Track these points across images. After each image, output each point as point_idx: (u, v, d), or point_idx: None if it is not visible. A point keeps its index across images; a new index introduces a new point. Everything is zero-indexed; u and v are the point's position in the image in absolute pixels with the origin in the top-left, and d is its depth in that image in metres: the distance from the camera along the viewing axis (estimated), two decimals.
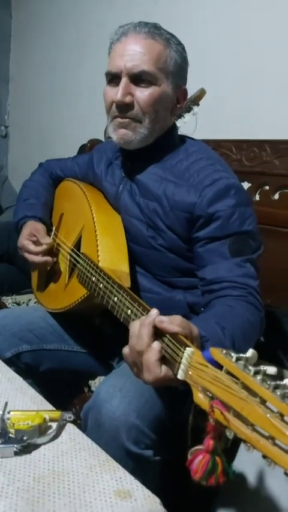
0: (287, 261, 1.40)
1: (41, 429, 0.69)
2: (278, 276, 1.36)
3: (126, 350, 0.71)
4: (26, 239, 1.07)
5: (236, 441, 0.53)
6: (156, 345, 0.67)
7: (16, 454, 0.66)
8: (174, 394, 0.85)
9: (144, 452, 0.82)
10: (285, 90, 1.50)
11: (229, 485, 0.86)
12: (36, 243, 1.07)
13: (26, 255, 1.08)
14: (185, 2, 1.82)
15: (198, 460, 0.57)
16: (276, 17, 1.51)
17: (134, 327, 0.70)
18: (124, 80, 0.91)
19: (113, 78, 0.93)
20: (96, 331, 1.10)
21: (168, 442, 0.86)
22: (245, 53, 1.61)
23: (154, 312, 0.69)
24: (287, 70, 1.49)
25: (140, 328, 0.68)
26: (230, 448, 0.72)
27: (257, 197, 1.50)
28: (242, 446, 0.84)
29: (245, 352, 0.53)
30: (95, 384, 1.18)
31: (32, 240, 1.07)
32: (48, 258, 1.07)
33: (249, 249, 0.89)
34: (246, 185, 1.48)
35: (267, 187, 1.48)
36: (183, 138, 1.03)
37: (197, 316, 0.91)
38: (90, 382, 1.20)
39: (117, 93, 0.90)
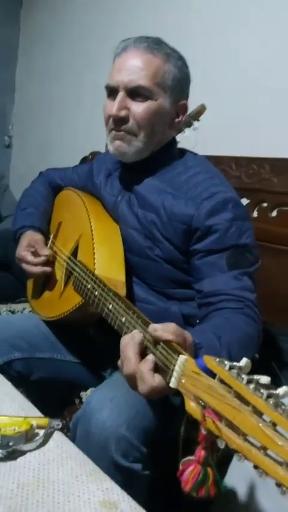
0: (283, 278, 1.40)
1: (28, 436, 0.68)
2: (274, 293, 1.36)
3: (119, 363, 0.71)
4: (24, 250, 1.07)
5: (228, 456, 0.52)
6: (150, 356, 0.66)
7: (0, 460, 0.64)
8: (166, 407, 0.84)
9: (133, 465, 0.80)
10: (285, 108, 1.52)
11: (220, 500, 0.85)
12: (35, 254, 1.07)
13: (24, 265, 1.08)
14: (186, 17, 1.86)
15: (189, 471, 0.55)
16: (279, 34, 1.54)
17: (124, 342, 0.70)
18: (121, 94, 0.92)
19: (111, 92, 0.95)
20: (89, 342, 1.09)
21: (159, 456, 0.85)
22: (247, 70, 1.64)
23: (136, 333, 0.69)
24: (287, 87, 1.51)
25: (125, 350, 0.68)
26: (221, 463, 0.70)
27: (255, 214, 1.51)
28: (234, 461, 0.83)
29: None
30: (87, 395, 1.16)
31: (30, 251, 1.07)
32: (46, 269, 1.07)
33: (247, 262, 0.90)
34: (244, 201, 1.49)
35: (265, 204, 1.49)
36: (183, 152, 1.04)
37: (192, 328, 0.90)
38: (81, 393, 1.18)
39: (113, 107, 0.92)
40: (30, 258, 1.06)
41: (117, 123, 0.93)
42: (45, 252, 1.07)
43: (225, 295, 0.85)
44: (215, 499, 0.85)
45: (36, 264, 1.06)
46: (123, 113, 0.92)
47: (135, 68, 0.91)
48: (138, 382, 0.66)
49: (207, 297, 0.88)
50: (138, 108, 0.92)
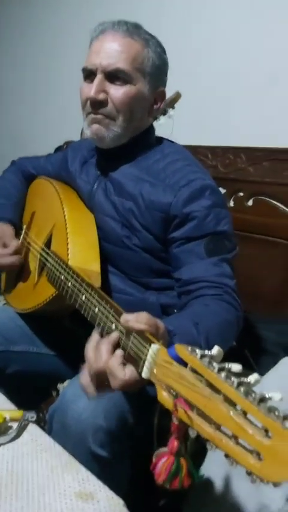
0: (260, 266, 1.42)
1: (0, 429, 0.67)
2: (251, 281, 1.37)
3: (83, 377, 0.69)
4: None
5: (205, 446, 0.52)
6: (118, 352, 0.66)
7: None
8: (143, 397, 0.83)
9: (111, 456, 0.80)
10: (261, 98, 1.52)
11: (198, 488, 0.85)
12: (4, 246, 1.05)
13: None
14: (165, 5, 1.83)
15: (162, 463, 0.55)
16: (256, 24, 1.53)
17: (90, 348, 0.68)
18: (99, 77, 0.90)
19: (89, 75, 0.93)
20: (65, 334, 1.08)
21: (137, 445, 0.85)
22: (222, 58, 1.63)
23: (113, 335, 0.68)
24: (265, 78, 1.51)
25: (98, 348, 0.67)
26: (198, 452, 0.71)
27: (231, 203, 1.52)
28: (210, 452, 0.84)
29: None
30: (64, 387, 1.15)
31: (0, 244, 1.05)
32: (15, 259, 1.05)
33: (225, 249, 0.89)
34: (221, 191, 1.50)
35: (241, 194, 1.50)
36: (160, 139, 1.03)
37: None
38: (58, 385, 1.18)
39: (91, 89, 0.90)
40: None
41: (95, 106, 0.91)
42: (13, 242, 1.05)
43: (205, 282, 0.85)
44: (192, 488, 0.86)
45: (4, 256, 1.04)
46: (101, 96, 0.90)
47: (114, 51, 0.89)
48: (110, 378, 0.65)
49: (186, 285, 0.87)
50: (117, 91, 0.90)
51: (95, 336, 0.69)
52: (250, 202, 1.48)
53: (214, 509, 0.85)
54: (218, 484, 0.83)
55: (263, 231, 1.42)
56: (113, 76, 0.90)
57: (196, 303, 0.83)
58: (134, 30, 0.92)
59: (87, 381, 0.67)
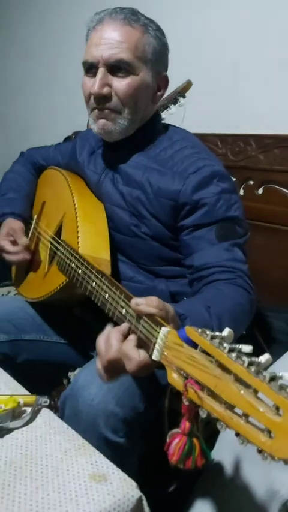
0: (270, 255, 1.41)
1: (15, 413, 0.68)
2: (261, 270, 1.36)
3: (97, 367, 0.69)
4: (3, 239, 1.06)
5: (215, 429, 0.52)
6: (131, 336, 0.66)
7: None
8: (154, 383, 0.84)
9: (123, 440, 0.80)
10: (271, 85, 1.51)
11: (208, 473, 0.86)
12: (14, 243, 1.06)
13: (4, 255, 1.07)
14: None
15: (175, 443, 0.56)
16: (265, 10, 1.51)
17: (101, 339, 0.68)
18: (101, 70, 0.89)
19: (90, 68, 0.91)
20: (76, 322, 1.09)
21: (148, 431, 0.85)
22: (232, 46, 1.61)
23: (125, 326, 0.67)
24: (274, 64, 1.50)
25: (108, 339, 0.66)
26: (209, 435, 0.71)
27: (242, 192, 1.51)
28: (221, 434, 0.84)
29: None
30: (74, 375, 1.17)
31: (9, 240, 1.06)
32: (25, 256, 1.06)
33: (236, 234, 0.89)
34: (231, 177, 1.49)
35: (251, 182, 1.49)
36: (167, 127, 1.03)
37: None
38: (69, 373, 1.19)
39: (94, 84, 0.89)
40: (8, 247, 1.05)
41: (100, 101, 0.90)
42: (23, 240, 1.06)
43: (217, 267, 0.84)
44: (202, 471, 0.86)
45: (14, 253, 1.05)
46: (105, 90, 0.89)
47: (114, 41, 0.88)
48: (125, 361, 0.65)
49: (198, 271, 0.87)
50: (121, 84, 0.89)
51: (107, 328, 0.69)
52: (260, 191, 1.47)
53: (224, 494, 0.85)
54: (228, 469, 0.83)
55: (273, 220, 1.41)
56: (116, 67, 0.89)
57: (208, 288, 0.83)
58: (132, 16, 0.89)
59: (101, 371, 0.68)
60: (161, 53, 0.93)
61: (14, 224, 1.09)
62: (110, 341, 0.66)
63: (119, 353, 0.65)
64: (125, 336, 0.67)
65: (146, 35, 0.90)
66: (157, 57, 0.92)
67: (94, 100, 0.91)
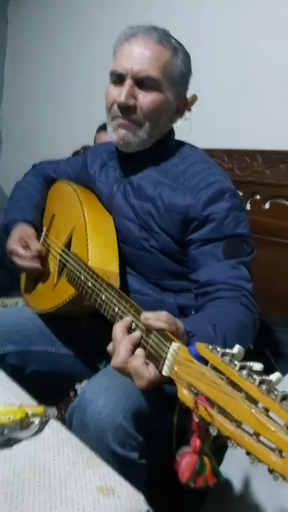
0: (277, 269, 1.42)
1: (23, 424, 0.68)
2: (268, 285, 1.37)
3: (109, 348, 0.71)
4: (15, 243, 1.06)
5: (223, 444, 0.53)
6: (139, 351, 0.67)
7: None
8: (162, 396, 0.84)
9: (130, 454, 0.80)
10: (277, 101, 1.53)
11: (216, 489, 0.85)
12: (26, 247, 1.06)
13: (15, 259, 1.07)
14: (179, 8, 1.85)
15: (186, 461, 0.56)
16: (270, 27, 1.54)
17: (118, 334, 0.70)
18: (129, 82, 0.91)
19: (118, 79, 0.94)
20: (84, 334, 1.09)
21: (156, 444, 0.85)
22: (238, 61, 1.64)
23: (137, 333, 0.69)
24: (280, 80, 1.51)
25: (118, 345, 0.68)
26: (216, 452, 0.71)
27: (248, 206, 1.52)
28: (229, 450, 0.84)
29: None
30: (82, 387, 1.17)
31: (22, 245, 1.06)
32: (37, 264, 1.05)
33: (243, 252, 0.90)
34: (239, 194, 1.50)
35: (258, 197, 1.50)
36: (179, 143, 1.05)
37: None
38: (76, 385, 1.19)
39: (120, 94, 0.91)
40: (21, 251, 1.05)
41: (124, 111, 0.92)
42: (37, 246, 1.05)
43: (222, 284, 0.85)
44: (212, 488, 0.86)
45: (26, 258, 1.05)
46: (131, 102, 0.91)
47: (145, 57, 0.90)
48: (134, 378, 0.66)
49: (203, 287, 0.88)
50: (146, 98, 0.91)
51: (117, 331, 0.70)
52: (267, 205, 1.48)
53: (232, 509, 0.85)
54: (236, 485, 0.83)
55: (280, 234, 1.42)
56: (143, 82, 0.91)
57: (213, 305, 0.84)
58: (164, 37, 0.92)
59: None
60: (185, 76, 0.97)
61: (26, 230, 1.09)
62: (119, 349, 0.67)
63: (126, 365, 0.66)
64: (135, 347, 0.67)
65: (175, 57, 0.93)
66: (182, 80, 0.95)
67: (118, 109, 0.93)
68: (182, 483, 0.55)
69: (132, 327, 0.70)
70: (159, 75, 0.91)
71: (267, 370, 0.50)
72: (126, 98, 0.91)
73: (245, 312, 0.83)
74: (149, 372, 0.64)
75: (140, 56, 0.90)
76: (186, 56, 0.96)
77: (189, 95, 1.43)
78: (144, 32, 0.92)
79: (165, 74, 0.91)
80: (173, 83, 0.93)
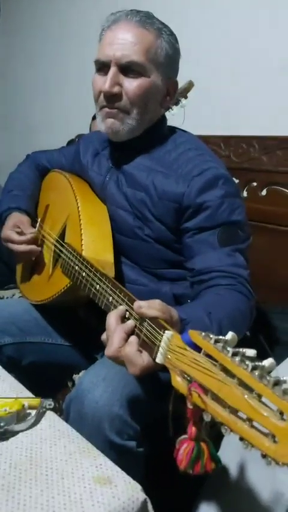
0: (274, 256, 1.41)
1: (19, 416, 0.68)
2: (264, 271, 1.37)
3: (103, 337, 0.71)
4: (9, 230, 1.06)
5: (220, 432, 0.52)
6: (132, 338, 0.66)
7: None
8: (159, 385, 0.84)
9: (128, 443, 0.81)
10: (274, 87, 1.51)
11: (214, 476, 0.86)
12: (20, 233, 1.05)
13: (10, 245, 1.06)
14: None
15: (183, 449, 0.56)
16: (268, 12, 1.51)
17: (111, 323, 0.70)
18: (113, 70, 0.89)
19: (102, 67, 0.92)
20: (80, 324, 1.09)
21: (153, 433, 0.86)
22: (234, 47, 1.61)
23: (130, 322, 0.69)
24: (276, 66, 1.50)
25: (112, 334, 0.68)
26: (213, 438, 0.71)
27: (245, 193, 1.51)
28: (226, 437, 0.84)
29: None
30: (79, 377, 1.17)
31: (16, 231, 1.05)
32: (32, 247, 1.05)
33: (239, 239, 0.89)
34: (234, 181, 1.49)
35: (255, 184, 1.49)
36: (172, 129, 1.03)
37: None
38: (74, 376, 1.19)
39: (105, 82, 0.89)
40: (15, 236, 1.04)
41: (110, 99, 0.91)
42: (31, 230, 1.05)
43: (218, 271, 0.85)
44: (209, 475, 0.86)
45: (21, 243, 1.04)
46: (116, 89, 0.90)
47: (127, 42, 0.88)
48: (128, 365, 0.66)
49: (199, 275, 0.87)
50: (131, 84, 0.89)
51: (111, 320, 0.70)
52: (264, 192, 1.47)
53: (229, 496, 0.85)
54: (233, 471, 0.83)
55: (277, 221, 1.41)
56: (127, 68, 0.89)
57: (209, 293, 0.83)
58: (147, 20, 0.90)
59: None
60: (172, 58, 0.94)
61: (20, 217, 1.09)
62: (112, 339, 0.67)
63: (119, 354, 0.66)
64: (129, 335, 0.67)
65: (160, 39, 0.91)
66: (169, 61, 0.93)
67: (104, 98, 0.91)
68: (181, 470, 0.55)
69: (126, 316, 0.69)
70: (143, 59, 0.89)
71: (262, 357, 0.50)
72: (111, 86, 0.89)
73: (241, 299, 0.83)
74: (142, 359, 0.64)
75: (122, 42, 0.89)
76: (172, 37, 0.94)
77: (183, 81, 1.41)
78: (125, 17, 0.90)
79: (150, 57, 0.89)
80: (159, 66, 0.91)
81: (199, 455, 0.55)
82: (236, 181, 1.49)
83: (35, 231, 1.06)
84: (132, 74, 0.90)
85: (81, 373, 1.16)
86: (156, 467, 0.91)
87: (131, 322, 0.68)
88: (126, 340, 0.67)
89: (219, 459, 0.57)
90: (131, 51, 0.88)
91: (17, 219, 1.08)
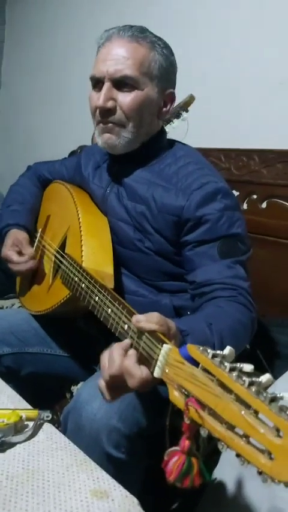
0: (274, 269, 1.41)
1: (17, 427, 0.68)
2: (265, 284, 1.37)
3: (100, 383, 0.69)
4: (9, 249, 1.07)
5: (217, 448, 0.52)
6: (131, 351, 0.66)
7: None
8: (157, 398, 0.84)
9: (125, 456, 0.80)
10: (274, 100, 1.52)
11: (211, 491, 0.85)
12: (20, 253, 1.06)
13: (10, 265, 1.08)
14: (176, 8, 1.85)
15: (173, 461, 0.56)
16: (267, 27, 1.53)
17: (104, 355, 0.69)
18: (106, 85, 0.91)
19: (97, 83, 0.94)
20: (79, 336, 1.09)
21: (150, 446, 0.85)
22: (234, 61, 1.63)
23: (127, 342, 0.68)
24: (277, 79, 1.51)
25: (111, 354, 0.67)
26: (211, 454, 0.70)
27: (245, 206, 1.52)
28: (224, 452, 0.83)
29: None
30: (77, 389, 1.17)
31: (15, 251, 1.07)
32: (31, 265, 1.06)
33: (239, 251, 0.90)
34: (234, 194, 1.50)
35: (255, 196, 1.50)
36: (172, 143, 1.04)
37: None
38: (72, 387, 1.19)
39: (99, 98, 0.91)
40: (15, 257, 1.05)
41: (104, 114, 0.92)
42: (29, 250, 1.07)
43: (218, 284, 0.85)
44: (205, 488, 0.86)
45: (20, 263, 1.05)
46: (110, 104, 0.91)
47: (120, 57, 0.90)
48: (127, 378, 0.65)
49: (200, 287, 0.88)
50: (125, 98, 0.91)
51: (111, 344, 0.70)
52: (264, 205, 1.48)
53: (228, 511, 0.85)
54: (231, 486, 0.83)
55: (277, 234, 1.42)
56: (121, 83, 0.91)
57: (210, 305, 0.83)
58: (139, 34, 0.92)
59: (103, 388, 0.68)
60: (167, 70, 0.95)
61: (19, 235, 1.10)
62: (113, 356, 0.67)
63: (120, 368, 0.65)
64: (127, 351, 0.67)
65: (153, 52, 0.92)
66: (163, 74, 0.94)
67: (99, 114, 0.93)
68: (169, 482, 0.55)
69: (125, 328, 0.70)
70: (136, 73, 0.90)
71: (259, 372, 0.50)
72: (104, 101, 0.91)
73: (243, 311, 0.83)
74: (141, 371, 0.63)
75: (114, 58, 0.90)
76: (167, 49, 0.95)
77: (185, 94, 1.43)
78: (117, 33, 0.92)
79: (143, 71, 0.91)
80: (153, 78, 0.92)
81: (189, 469, 0.55)
82: (236, 193, 1.50)
83: (32, 251, 1.07)
84: (126, 88, 0.91)
85: (79, 385, 1.16)
86: (153, 481, 0.90)
87: (127, 341, 0.68)
88: (124, 355, 0.66)
89: (207, 474, 0.56)
90: (124, 66, 0.90)
91: (15, 237, 1.09)
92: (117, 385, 0.66)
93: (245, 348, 0.87)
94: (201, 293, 0.87)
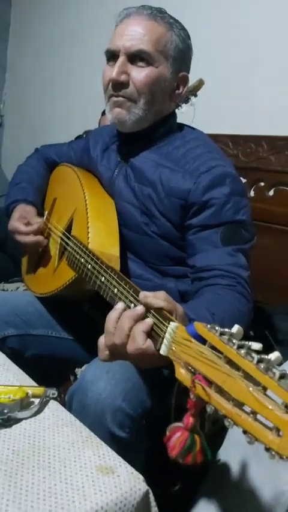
0: (280, 257, 1.41)
1: (23, 404, 0.69)
2: (270, 272, 1.37)
3: (101, 339, 0.70)
4: (16, 221, 1.06)
5: (223, 427, 0.52)
6: (148, 320, 0.65)
7: None
8: (162, 380, 0.84)
9: (129, 436, 0.81)
10: (284, 86, 1.50)
11: (214, 472, 0.86)
12: (27, 224, 1.05)
13: (17, 236, 1.06)
14: None
15: (176, 437, 0.56)
16: (279, 12, 1.51)
17: (111, 319, 0.68)
18: (121, 59, 0.90)
19: (111, 57, 0.93)
20: (84, 318, 1.09)
21: (155, 428, 0.86)
22: (244, 46, 1.61)
23: (140, 308, 0.67)
24: (286, 65, 1.49)
25: (121, 320, 0.67)
26: (216, 435, 0.70)
27: (252, 193, 1.51)
28: (228, 433, 0.84)
29: None
30: (82, 371, 1.17)
31: (23, 222, 1.06)
32: (39, 238, 1.05)
33: (242, 239, 0.89)
34: (241, 180, 1.49)
35: (262, 184, 1.49)
36: (181, 126, 1.03)
37: None
38: (76, 370, 1.20)
39: (113, 71, 0.90)
40: (22, 227, 1.04)
41: (117, 87, 0.91)
42: (37, 220, 1.06)
43: (218, 270, 0.85)
44: (208, 470, 0.86)
45: (28, 233, 1.04)
46: (123, 78, 0.90)
47: (137, 33, 0.90)
48: (129, 341, 0.65)
49: (199, 272, 0.87)
50: (139, 73, 0.90)
51: (119, 306, 0.69)
52: (271, 192, 1.47)
53: (229, 493, 0.85)
54: (235, 468, 0.83)
55: (284, 221, 1.41)
56: (136, 57, 0.90)
57: (209, 291, 0.83)
58: (158, 13, 0.92)
59: (102, 345, 0.69)
60: (183, 52, 0.94)
61: (27, 208, 1.09)
62: (122, 325, 0.66)
63: (127, 337, 0.65)
64: (136, 321, 0.66)
65: (170, 32, 0.92)
66: (179, 55, 0.93)
67: (111, 87, 0.92)
68: (171, 458, 0.55)
69: (132, 307, 0.70)
70: (152, 49, 0.90)
71: (268, 352, 0.50)
72: (118, 74, 0.90)
73: (242, 301, 0.83)
74: (144, 341, 0.63)
75: (132, 33, 0.90)
76: (184, 32, 0.95)
77: (194, 79, 1.41)
78: (136, 11, 0.92)
79: (159, 48, 0.90)
80: (168, 58, 0.92)
81: (191, 446, 0.56)
82: (244, 180, 1.49)
83: (41, 220, 1.06)
84: (141, 63, 0.90)
85: (83, 367, 1.17)
86: (157, 461, 0.91)
87: (141, 308, 0.66)
88: (134, 324, 0.65)
89: (209, 452, 0.57)
90: (140, 41, 0.89)
91: (23, 209, 1.09)
92: (118, 350, 0.67)
93: (248, 333, 0.87)
94: (200, 277, 0.87)
